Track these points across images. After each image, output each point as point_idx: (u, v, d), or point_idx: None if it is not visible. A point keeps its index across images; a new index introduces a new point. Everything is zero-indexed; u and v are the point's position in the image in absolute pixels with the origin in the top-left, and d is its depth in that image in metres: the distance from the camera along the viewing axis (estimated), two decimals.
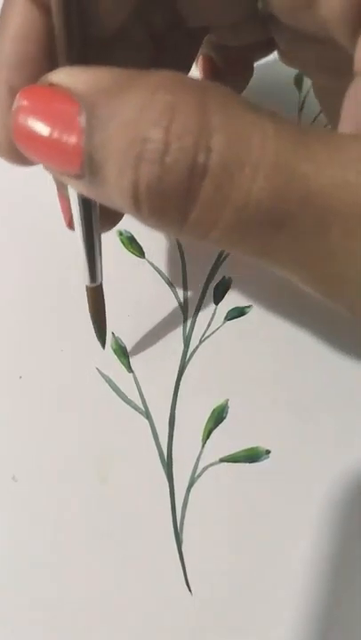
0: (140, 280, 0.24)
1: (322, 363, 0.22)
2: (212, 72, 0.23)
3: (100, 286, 0.20)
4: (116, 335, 0.23)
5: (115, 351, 0.23)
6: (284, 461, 0.21)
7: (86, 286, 0.20)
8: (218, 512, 0.20)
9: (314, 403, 0.22)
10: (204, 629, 0.19)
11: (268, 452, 0.21)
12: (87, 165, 0.12)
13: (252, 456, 0.21)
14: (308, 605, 0.19)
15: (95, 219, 0.17)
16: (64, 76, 0.13)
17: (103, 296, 0.21)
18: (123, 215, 0.20)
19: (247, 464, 0.21)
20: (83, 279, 0.20)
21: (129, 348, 0.23)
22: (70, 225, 0.18)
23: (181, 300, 0.24)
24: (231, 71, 0.23)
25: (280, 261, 0.13)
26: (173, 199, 0.12)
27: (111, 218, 0.20)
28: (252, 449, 0.21)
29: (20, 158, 0.14)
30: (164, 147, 0.11)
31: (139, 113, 0.11)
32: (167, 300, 0.24)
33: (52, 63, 0.14)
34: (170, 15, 0.18)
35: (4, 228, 0.25)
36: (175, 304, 0.24)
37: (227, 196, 0.11)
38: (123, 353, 0.23)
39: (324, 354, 0.23)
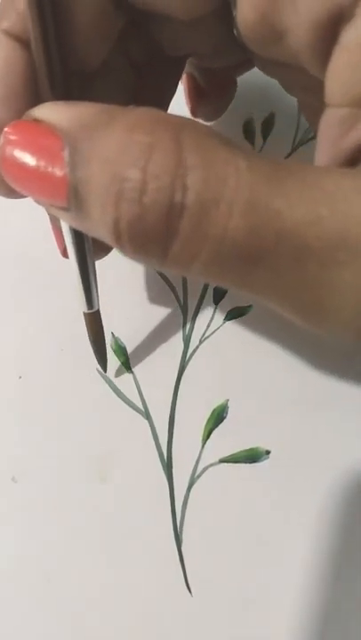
0: (139, 280, 0.24)
1: (322, 363, 0.22)
2: (195, 90, 0.24)
3: (98, 312, 0.20)
4: (116, 335, 0.23)
5: (114, 351, 0.23)
6: (284, 462, 0.21)
7: (84, 312, 0.20)
8: (218, 512, 0.20)
9: (314, 403, 0.22)
10: (203, 630, 0.19)
11: (268, 452, 0.21)
12: (72, 199, 0.13)
13: (252, 456, 0.21)
14: (308, 605, 0.19)
15: (88, 247, 0.18)
16: (47, 112, 0.13)
17: (101, 321, 0.21)
18: None
19: (247, 464, 0.21)
20: (80, 306, 0.20)
21: (129, 349, 0.23)
22: (65, 254, 0.19)
23: (181, 300, 0.24)
24: (214, 89, 0.23)
25: (260, 293, 0.13)
26: (154, 236, 0.12)
27: (105, 246, 0.20)
28: (252, 449, 0.21)
29: (9, 190, 0.14)
30: (142, 186, 0.12)
31: (118, 152, 0.12)
32: (167, 301, 0.24)
33: (36, 98, 0.15)
34: (150, 46, 0.18)
35: (3, 228, 0.25)
36: (175, 304, 0.24)
37: (204, 232, 0.12)
38: (122, 353, 0.23)
39: (324, 354, 0.23)
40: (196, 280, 0.24)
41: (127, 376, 0.22)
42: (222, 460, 0.21)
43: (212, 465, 0.21)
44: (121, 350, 0.23)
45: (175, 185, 0.12)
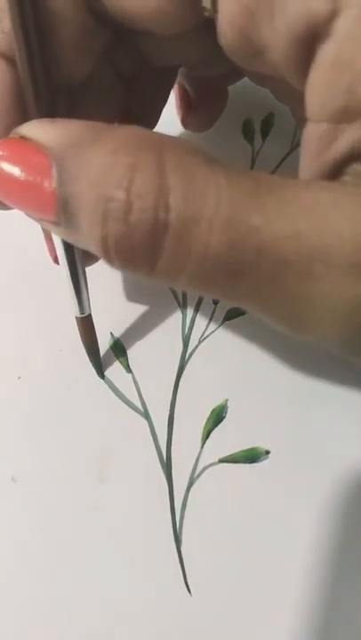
0: (138, 280, 0.24)
1: (321, 362, 0.22)
2: (186, 102, 0.24)
3: (90, 316, 0.21)
4: (116, 335, 0.23)
5: (114, 351, 0.23)
6: (283, 462, 0.21)
7: (76, 317, 0.21)
8: (217, 512, 0.20)
9: (313, 403, 0.22)
10: (203, 630, 0.19)
11: (267, 452, 0.21)
12: (62, 214, 0.13)
13: (252, 456, 0.21)
14: (308, 605, 0.19)
15: (78, 255, 0.18)
16: (33, 130, 0.14)
17: (93, 325, 0.21)
18: None
19: (247, 464, 0.21)
20: (72, 311, 0.21)
21: (128, 349, 0.23)
22: (56, 261, 0.19)
23: (180, 300, 0.24)
24: (204, 101, 0.24)
25: (244, 304, 0.14)
26: (140, 252, 0.13)
27: (94, 254, 0.21)
28: (251, 449, 0.21)
29: (0, 204, 0.15)
30: (126, 206, 0.12)
31: (103, 173, 0.12)
32: (166, 301, 0.24)
33: (24, 114, 0.15)
34: (137, 57, 0.19)
35: (2, 228, 0.25)
36: (174, 304, 0.24)
37: (188, 248, 0.12)
38: (122, 353, 0.23)
39: (324, 353, 0.23)
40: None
41: (126, 376, 0.22)
42: (222, 460, 0.21)
43: (211, 465, 0.21)
44: (120, 350, 0.23)
45: (158, 204, 0.12)
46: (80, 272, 0.19)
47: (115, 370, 0.22)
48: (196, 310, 0.24)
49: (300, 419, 0.21)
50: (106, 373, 0.22)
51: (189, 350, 0.23)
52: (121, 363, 0.23)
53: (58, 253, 0.18)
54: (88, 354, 0.22)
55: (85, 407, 0.22)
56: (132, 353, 0.23)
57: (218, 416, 0.21)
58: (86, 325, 0.21)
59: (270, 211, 0.12)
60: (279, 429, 0.21)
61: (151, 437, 0.21)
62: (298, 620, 0.19)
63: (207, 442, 0.21)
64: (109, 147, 0.13)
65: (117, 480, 0.21)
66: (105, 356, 0.23)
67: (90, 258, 0.21)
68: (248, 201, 0.12)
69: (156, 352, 0.23)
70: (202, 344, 0.23)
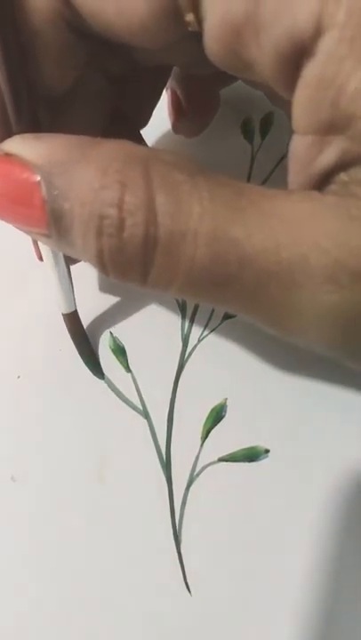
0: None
1: (321, 361, 0.22)
2: (177, 107, 0.24)
3: (75, 312, 0.21)
4: (114, 334, 0.23)
5: (113, 351, 0.23)
6: (283, 460, 0.21)
7: (62, 314, 0.21)
8: (217, 512, 0.20)
9: (313, 402, 0.22)
10: (203, 630, 0.19)
11: (267, 451, 0.21)
12: (53, 228, 0.14)
13: (251, 455, 0.21)
14: (308, 605, 0.19)
15: (63, 255, 0.19)
16: (17, 146, 0.14)
17: (80, 321, 0.22)
18: None
19: (246, 463, 0.21)
20: (59, 308, 0.21)
21: (127, 348, 0.23)
22: (41, 258, 0.19)
23: (180, 299, 0.24)
24: (195, 107, 0.24)
25: (233, 310, 0.14)
26: (133, 265, 0.13)
27: None
28: (251, 448, 0.21)
29: None
30: (119, 223, 0.13)
31: (94, 192, 0.13)
32: (165, 300, 0.24)
33: (7, 129, 0.15)
34: (125, 60, 0.19)
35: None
36: (174, 303, 0.24)
37: (176, 261, 0.13)
38: (121, 352, 0.23)
39: None
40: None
41: (126, 375, 0.22)
42: (221, 459, 0.21)
43: (211, 464, 0.21)
44: (119, 349, 0.23)
45: (148, 220, 0.13)
46: (65, 270, 0.19)
47: (114, 369, 0.22)
48: (196, 309, 0.24)
49: (299, 417, 0.21)
50: (105, 373, 0.22)
51: (189, 349, 0.23)
52: (120, 362, 0.23)
53: (42, 253, 0.19)
54: (78, 350, 0.22)
55: (85, 406, 0.22)
56: (131, 352, 0.23)
57: (217, 415, 0.21)
58: (73, 321, 0.22)
59: (251, 223, 0.13)
60: (279, 428, 0.21)
61: (151, 436, 0.21)
62: (298, 619, 0.19)
63: (207, 441, 0.21)
64: (98, 165, 0.13)
65: (117, 479, 0.21)
66: (104, 355, 0.23)
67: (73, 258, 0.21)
68: (229, 214, 0.13)
69: (155, 351, 0.23)
70: (201, 343, 0.23)
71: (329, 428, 0.21)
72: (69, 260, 0.20)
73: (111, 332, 0.23)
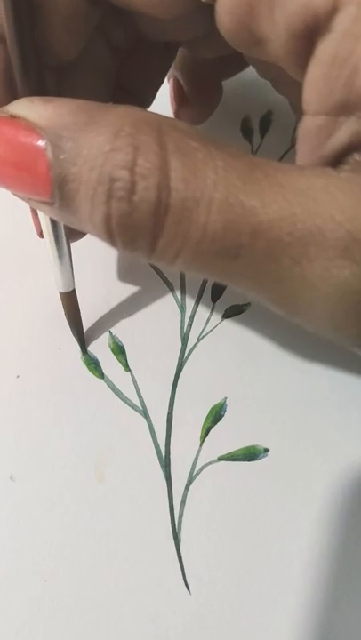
0: (137, 279, 0.24)
1: (320, 360, 0.22)
2: (179, 95, 0.24)
3: (74, 292, 0.21)
4: (114, 334, 0.23)
5: (112, 350, 0.23)
6: (282, 460, 0.21)
7: (60, 292, 0.21)
8: (216, 511, 0.20)
9: (312, 401, 0.22)
10: (203, 629, 0.19)
11: (266, 450, 0.21)
12: (57, 195, 0.13)
13: (251, 454, 0.21)
14: (307, 604, 0.19)
15: (64, 231, 0.18)
16: (23, 108, 0.13)
17: (77, 301, 0.21)
18: None
19: (246, 462, 0.21)
20: (57, 287, 0.20)
21: (127, 347, 0.23)
22: (41, 235, 0.19)
23: (179, 298, 0.24)
24: (198, 95, 0.24)
25: (241, 285, 0.14)
26: (142, 232, 0.13)
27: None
28: (250, 447, 0.21)
29: None
30: (131, 186, 0.12)
31: (105, 154, 0.12)
32: (165, 298, 0.24)
33: (13, 94, 0.15)
34: (131, 32, 0.18)
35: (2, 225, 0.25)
36: (173, 302, 0.24)
37: (186, 229, 0.12)
38: (120, 351, 0.23)
39: (323, 351, 0.22)
40: (191, 276, 0.24)
41: (125, 374, 0.22)
42: (221, 458, 0.21)
43: (210, 463, 0.21)
44: (119, 349, 0.23)
45: (161, 186, 0.12)
46: (65, 246, 0.19)
47: (114, 368, 0.22)
48: (195, 308, 0.23)
49: (299, 416, 0.21)
50: (105, 372, 0.22)
51: (188, 348, 0.23)
52: (120, 361, 0.23)
53: (43, 227, 0.18)
54: (72, 330, 0.22)
55: (84, 406, 0.22)
56: (130, 351, 0.23)
57: (217, 414, 0.21)
58: (70, 301, 0.21)
59: (266, 194, 0.12)
60: (278, 427, 0.21)
61: (150, 436, 0.21)
62: (297, 618, 0.19)
63: (206, 440, 0.21)
64: (109, 129, 0.12)
65: (116, 479, 0.21)
66: (104, 355, 0.23)
67: (75, 233, 0.21)
68: (244, 183, 0.12)
69: (154, 350, 0.23)
70: (201, 342, 0.23)
71: (329, 428, 0.21)
72: (70, 237, 0.20)
73: (110, 332, 0.23)
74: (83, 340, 0.22)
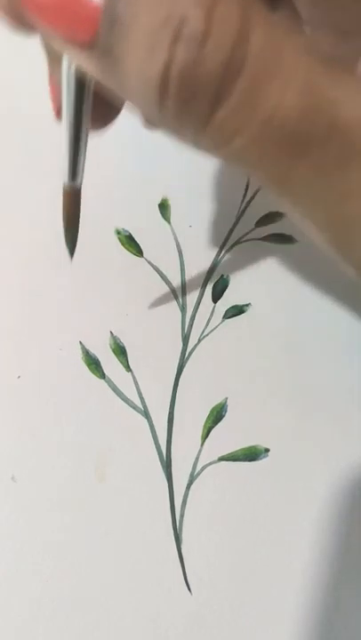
0: (138, 279, 0.24)
1: (321, 361, 0.22)
2: None
3: (79, 189, 0.18)
4: (115, 334, 0.23)
5: (113, 350, 0.23)
6: (283, 460, 0.21)
7: (64, 186, 0.18)
8: (217, 511, 0.20)
9: (313, 401, 0.22)
10: (203, 629, 0.19)
11: (267, 450, 0.21)
12: (105, 34, 0.11)
13: (252, 454, 0.21)
14: (307, 604, 0.19)
15: (87, 109, 0.16)
16: None
17: (80, 200, 0.19)
18: (117, 114, 0.18)
19: (246, 462, 0.21)
20: (62, 177, 0.18)
21: (128, 347, 0.23)
22: (59, 115, 0.16)
23: (180, 298, 0.24)
24: None
25: (295, 194, 0.12)
26: (205, 90, 0.10)
27: (105, 115, 0.18)
28: (251, 447, 0.21)
29: (21, 21, 0.12)
30: (205, 29, 0.10)
31: None
32: (166, 299, 0.24)
33: None
34: None
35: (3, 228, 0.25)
36: (174, 303, 0.24)
37: (255, 102, 0.10)
38: (121, 352, 0.23)
39: (323, 352, 0.23)
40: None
41: (126, 375, 0.22)
42: (221, 459, 0.21)
43: (211, 463, 0.21)
44: (120, 349, 0.23)
45: (240, 38, 0.10)
46: (84, 130, 0.16)
47: (114, 369, 0.22)
48: (196, 309, 0.24)
49: (299, 417, 0.21)
50: (105, 372, 0.22)
51: (189, 349, 0.23)
52: (121, 362, 0.23)
53: (62, 102, 0.15)
54: (65, 230, 0.20)
55: (85, 406, 0.22)
56: (131, 352, 0.23)
57: (218, 414, 0.21)
58: (73, 198, 0.19)
59: (349, 88, 0.11)
60: (279, 427, 0.21)
61: (151, 436, 0.21)
62: (298, 618, 0.19)
63: (207, 440, 0.21)
64: None
65: (117, 479, 0.21)
66: (105, 355, 0.23)
67: (97, 120, 0.18)
68: (328, 71, 0.11)
69: (155, 351, 0.23)
70: (201, 342, 0.23)
71: (328, 427, 0.21)
72: (91, 125, 0.17)
73: (111, 332, 0.23)
74: (74, 243, 0.20)
